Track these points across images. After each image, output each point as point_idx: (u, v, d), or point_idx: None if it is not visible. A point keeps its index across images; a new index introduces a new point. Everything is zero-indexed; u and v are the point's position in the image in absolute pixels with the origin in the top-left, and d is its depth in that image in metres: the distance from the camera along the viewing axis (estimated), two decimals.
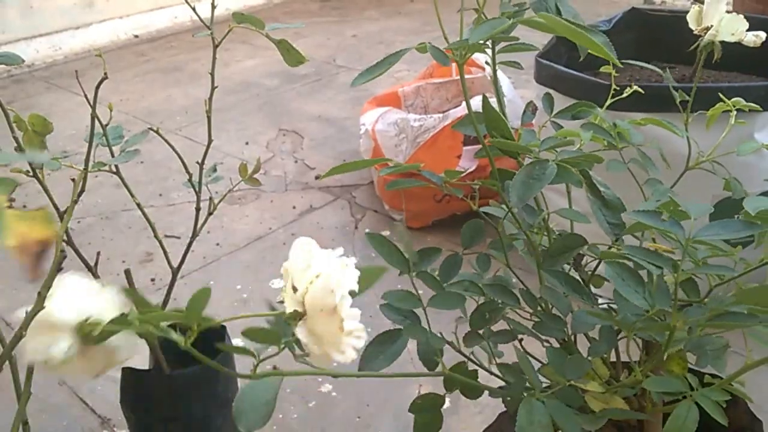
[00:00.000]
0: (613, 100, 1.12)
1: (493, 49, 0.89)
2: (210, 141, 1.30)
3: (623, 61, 1.05)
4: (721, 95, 0.97)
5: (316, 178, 2.73)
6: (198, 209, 1.32)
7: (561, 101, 1.80)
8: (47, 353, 0.70)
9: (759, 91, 1.59)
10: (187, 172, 1.29)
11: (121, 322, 0.68)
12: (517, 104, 2.28)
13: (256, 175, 1.35)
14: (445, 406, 1.62)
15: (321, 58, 4.06)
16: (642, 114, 1.59)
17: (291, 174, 2.79)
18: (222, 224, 2.45)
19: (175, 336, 0.65)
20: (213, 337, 1.41)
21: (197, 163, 1.31)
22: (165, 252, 1.32)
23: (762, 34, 0.98)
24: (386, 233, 2.34)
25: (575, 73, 1.75)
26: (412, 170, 0.97)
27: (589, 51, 0.84)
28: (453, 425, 1.61)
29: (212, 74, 1.25)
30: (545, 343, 0.89)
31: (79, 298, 0.72)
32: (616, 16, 2.15)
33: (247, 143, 3.05)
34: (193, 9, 1.25)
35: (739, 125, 1.54)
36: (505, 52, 0.93)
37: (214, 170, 1.36)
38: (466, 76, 2.58)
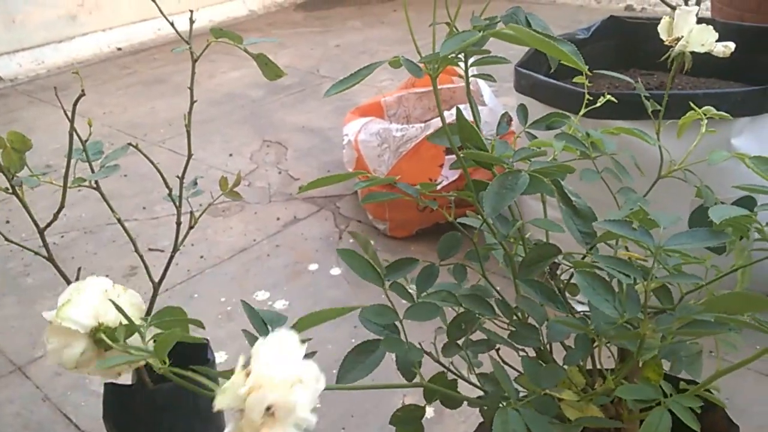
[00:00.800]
0: (587, 108, 1.13)
1: (465, 61, 0.90)
2: (190, 156, 1.31)
3: (596, 71, 1.06)
4: (692, 104, 0.98)
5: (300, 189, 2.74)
6: (179, 223, 1.32)
7: (540, 110, 1.82)
8: (63, 356, 0.73)
9: (735, 97, 1.61)
10: (167, 186, 1.29)
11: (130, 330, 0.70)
12: (499, 113, 2.29)
13: (240, 186, 1.35)
14: (429, 416, 1.64)
15: (305, 69, 4.07)
16: (622, 121, 1.61)
17: (275, 185, 2.79)
18: (206, 237, 2.45)
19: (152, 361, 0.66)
20: (196, 350, 1.41)
21: (177, 177, 1.31)
22: (146, 267, 1.33)
23: (731, 45, 0.99)
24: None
25: (554, 81, 1.76)
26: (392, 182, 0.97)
27: (561, 61, 0.85)
28: None
29: (191, 89, 1.26)
30: (521, 353, 0.89)
31: (96, 302, 0.74)
32: (594, 25, 2.16)
33: (231, 155, 3.05)
34: (172, 24, 1.25)
35: (718, 131, 1.55)
36: (481, 65, 0.94)
37: (195, 184, 1.36)
38: (450, 86, 2.60)
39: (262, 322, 0.86)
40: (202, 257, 2.34)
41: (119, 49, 4.61)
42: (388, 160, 2.32)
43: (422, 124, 2.34)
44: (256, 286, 2.17)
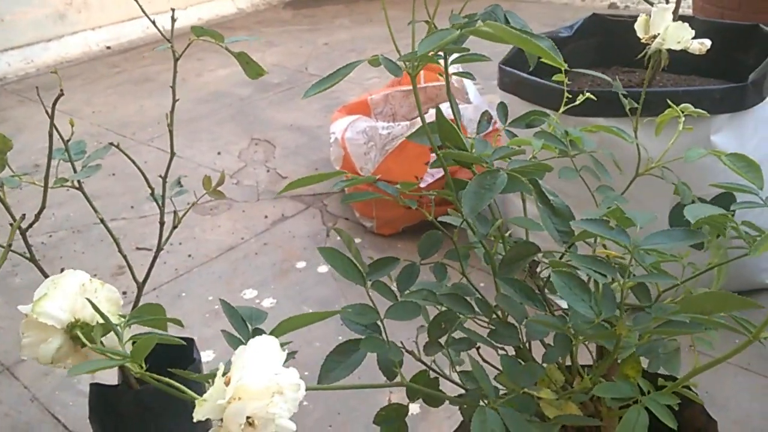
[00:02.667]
0: (568, 106, 1.13)
1: (445, 59, 0.90)
2: (172, 155, 1.31)
3: (576, 69, 1.06)
4: (669, 101, 0.98)
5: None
6: (162, 223, 1.32)
7: (524, 107, 1.82)
8: (38, 351, 0.72)
9: (714, 94, 1.62)
10: (150, 186, 1.29)
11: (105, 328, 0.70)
12: (484, 110, 2.29)
13: (228, 184, 1.35)
14: (414, 412, 1.64)
15: (293, 67, 4.06)
16: (604, 119, 1.62)
17: (263, 183, 2.78)
18: (194, 235, 2.45)
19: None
20: (182, 349, 1.41)
21: (159, 176, 1.31)
22: (130, 267, 1.33)
23: (707, 42, 1.00)
24: (358, 241, 2.35)
25: (537, 79, 1.77)
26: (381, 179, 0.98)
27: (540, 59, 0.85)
28: (423, 431, 1.61)
29: (173, 88, 1.26)
30: (500, 351, 0.90)
31: (73, 297, 0.73)
32: (577, 23, 2.17)
33: (219, 153, 3.05)
34: (153, 23, 1.25)
35: (697, 128, 1.55)
36: (462, 62, 0.94)
37: (179, 184, 1.36)
38: (436, 83, 2.61)
39: (242, 321, 0.87)
40: (190, 256, 2.34)
41: (108, 47, 4.59)
42: (375, 158, 2.32)
43: (408, 122, 2.34)
44: (244, 284, 2.17)
